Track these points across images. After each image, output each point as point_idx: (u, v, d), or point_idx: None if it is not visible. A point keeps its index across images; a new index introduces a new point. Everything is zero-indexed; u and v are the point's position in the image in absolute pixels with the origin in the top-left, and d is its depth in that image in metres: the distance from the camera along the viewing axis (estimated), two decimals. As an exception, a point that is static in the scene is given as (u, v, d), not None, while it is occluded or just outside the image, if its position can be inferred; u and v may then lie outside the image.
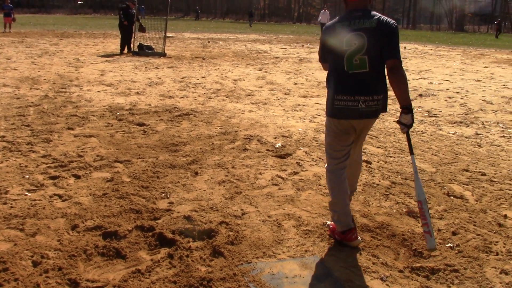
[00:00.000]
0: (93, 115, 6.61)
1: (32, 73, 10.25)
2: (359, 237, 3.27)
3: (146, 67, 11.89)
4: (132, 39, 15.38)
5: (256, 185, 4.28)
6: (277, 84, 10.11)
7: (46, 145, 5.25)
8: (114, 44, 17.72)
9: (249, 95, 8.67)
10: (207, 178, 4.43)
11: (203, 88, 9.24)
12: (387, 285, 2.80)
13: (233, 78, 10.76)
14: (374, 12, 3.11)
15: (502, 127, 6.85)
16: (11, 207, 3.65)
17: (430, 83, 11.25)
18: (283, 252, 3.16)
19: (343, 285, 2.80)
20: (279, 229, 3.48)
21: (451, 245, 3.27)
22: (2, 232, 3.26)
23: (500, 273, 2.94)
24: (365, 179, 4.56)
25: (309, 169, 4.75)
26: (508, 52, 22.76)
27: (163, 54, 15.00)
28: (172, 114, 6.87)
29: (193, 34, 28.11)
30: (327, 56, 3.26)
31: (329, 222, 3.53)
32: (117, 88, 8.76)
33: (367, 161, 5.05)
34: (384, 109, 3.20)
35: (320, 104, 8.13)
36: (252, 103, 7.95)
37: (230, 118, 6.78)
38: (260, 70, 12.44)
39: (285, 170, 4.69)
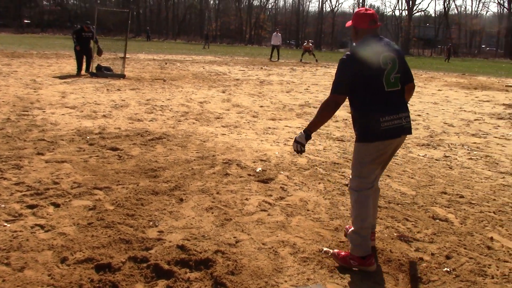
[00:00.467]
0: (62, 140, 6.37)
1: (-12, 94, 9.81)
2: None
3: (107, 89, 11.63)
4: (91, 60, 15.03)
5: (245, 211, 4.23)
6: (244, 107, 10.12)
7: (17, 171, 4.99)
8: (69, 65, 17.26)
9: (218, 118, 8.63)
10: (193, 204, 4.34)
11: (170, 110, 9.12)
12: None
13: (199, 100, 10.70)
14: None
15: (468, 149, 7.13)
16: (-8, 240, 3.44)
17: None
18: (285, 281, 3.11)
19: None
20: (276, 257, 3.44)
21: (448, 269, 3.33)
22: (-13, 268, 3.05)
23: (499, 296, 3.02)
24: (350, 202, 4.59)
25: (294, 194, 4.75)
26: (456, 75, 23.86)
27: (122, 76, 14.73)
28: (145, 138, 6.72)
29: (148, 55, 27.83)
30: (361, 81, 3.13)
31: (330, 250, 3.53)
32: (82, 111, 8.50)
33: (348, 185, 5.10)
34: None
35: (289, 127, 8.19)
36: (223, 126, 7.91)
37: (204, 142, 6.70)
38: (223, 92, 12.44)
39: (271, 195, 4.67)
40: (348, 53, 3.22)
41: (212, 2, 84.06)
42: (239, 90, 13.05)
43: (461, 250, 3.65)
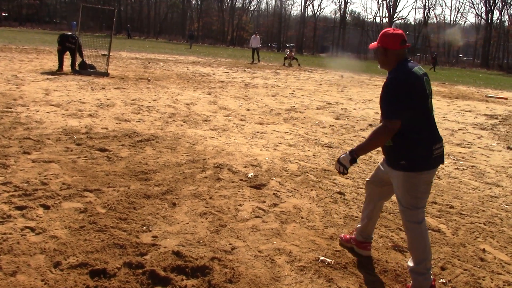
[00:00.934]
0: (48, 138, 6.23)
1: (-32, 89, 9.56)
2: None
3: (92, 87, 11.44)
4: (75, 57, 14.71)
5: (239, 218, 4.19)
6: (231, 110, 10.07)
7: (3, 171, 4.86)
8: (50, 61, 16.95)
9: (206, 121, 8.57)
10: (187, 209, 4.28)
11: (157, 111, 9.02)
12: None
13: (185, 102, 10.61)
14: None
15: (454, 159, 7.22)
16: (-19, 242, 3.33)
17: (376, 113, 11.67)
18: (284, 290, 3.10)
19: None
20: (273, 265, 3.41)
21: (444, 281, 3.35)
22: (-22, 272, 2.96)
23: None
24: (343, 211, 4.61)
25: (287, 201, 4.73)
26: (437, 84, 24.25)
27: (105, 74, 14.52)
28: (133, 139, 6.62)
29: (131, 54, 27.53)
30: (414, 106, 3.00)
31: (326, 259, 3.52)
32: (67, 110, 8.34)
33: (340, 192, 5.12)
34: None
35: (277, 131, 8.18)
36: (212, 129, 7.86)
37: (193, 145, 6.64)
38: (209, 94, 12.37)
39: (264, 202, 4.64)
40: (395, 77, 3.04)
41: (194, 1, 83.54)
42: (225, 93, 12.99)
43: (455, 262, 3.69)
